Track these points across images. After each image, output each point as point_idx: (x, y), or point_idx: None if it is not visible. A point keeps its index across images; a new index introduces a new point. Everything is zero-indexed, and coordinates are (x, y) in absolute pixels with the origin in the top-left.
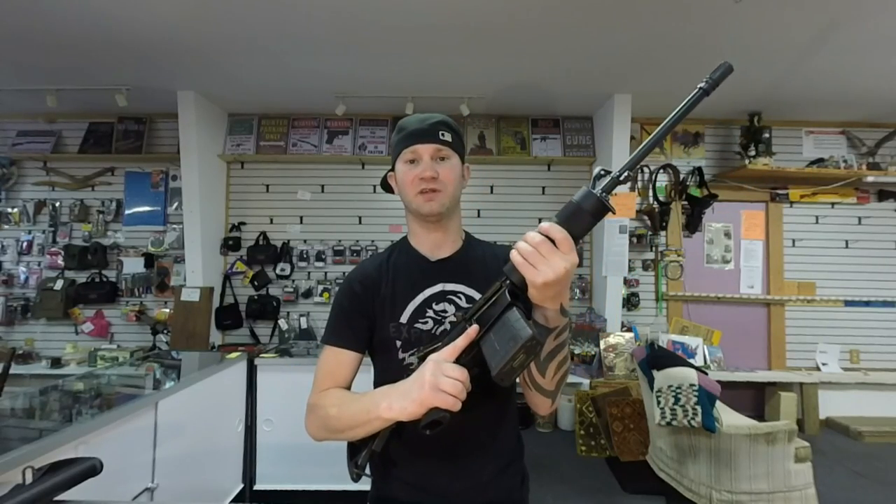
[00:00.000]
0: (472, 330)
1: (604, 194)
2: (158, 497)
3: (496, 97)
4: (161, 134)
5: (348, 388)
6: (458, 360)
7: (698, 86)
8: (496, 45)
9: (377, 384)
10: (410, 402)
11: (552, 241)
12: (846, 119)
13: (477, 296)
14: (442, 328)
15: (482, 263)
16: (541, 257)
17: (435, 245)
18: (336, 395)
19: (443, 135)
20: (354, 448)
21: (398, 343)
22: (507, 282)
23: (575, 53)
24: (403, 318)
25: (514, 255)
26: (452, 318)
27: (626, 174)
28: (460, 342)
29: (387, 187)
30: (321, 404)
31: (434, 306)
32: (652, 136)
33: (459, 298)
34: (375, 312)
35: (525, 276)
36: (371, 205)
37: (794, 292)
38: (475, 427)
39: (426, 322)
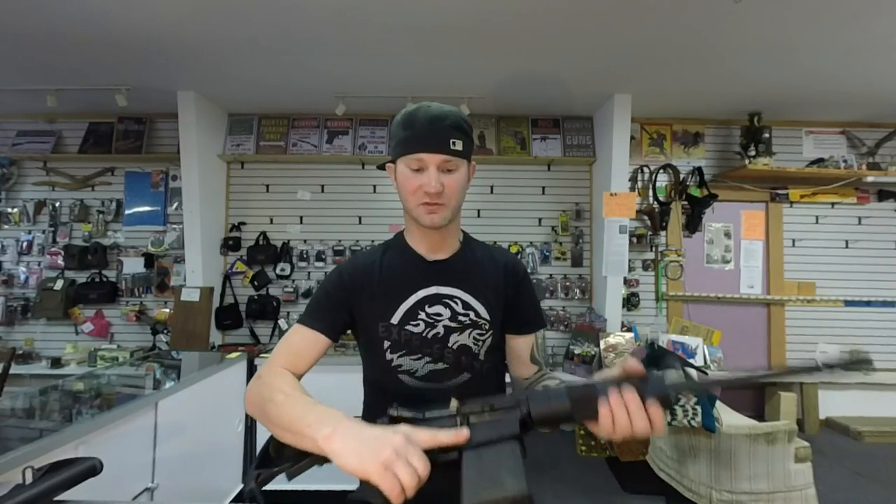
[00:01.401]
0: (462, 436)
1: (673, 393)
2: (158, 497)
3: (496, 97)
4: (161, 134)
5: (307, 370)
6: (429, 452)
7: (827, 363)
8: (496, 45)
9: (366, 380)
10: (356, 457)
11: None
12: (846, 119)
13: (472, 301)
14: (434, 331)
15: (480, 268)
16: (629, 430)
17: (431, 246)
18: (289, 383)
19: (454, 143)
20: (266, 459)
21: (386, 344)
22: (525, 409)
23: (575, 53)
24: (394, 320)
25: (604, 414)
26: (447, 322)
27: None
28: (443, 438)
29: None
30: (271, 384)
31: (427, 308)
32: (751, 375)
33: (455, 303)
34: (363, 309)
35: (601, 432)
36: (371, 205)
37: (794, 292)
38: None
39: (418, 324)
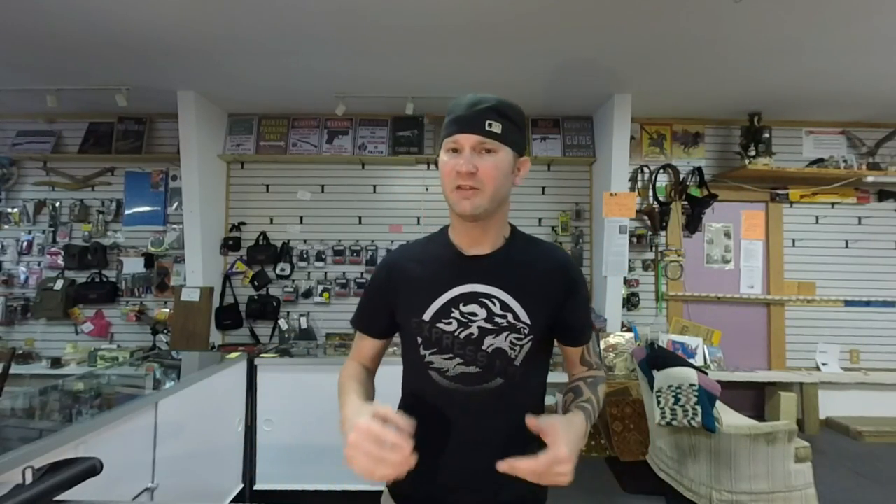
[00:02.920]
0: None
1: None
2: (158, 497)
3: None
4: (161, 134)
5: (374, 365)
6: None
7: None
8: (496, 45)
9: (405, 369)
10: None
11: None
12: (846, 119)
13: (512, 302)
14: (468, 332)
15: (526, 266)
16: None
17: (472, 241)
18: (351, 373)
19: (490, 125)
20: None
21: (419, 340)
22: None
23: (575, 53)
24: (426, 316)
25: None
26: (482, 323)
27: None
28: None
29: None
30: (342, 374)
31: (461, 307)
32: None
33: (493, 303)
34: (401, 303)
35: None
36: (371, 205)
37: (794, 292)
38: (496, 435)
39: (450, 323)
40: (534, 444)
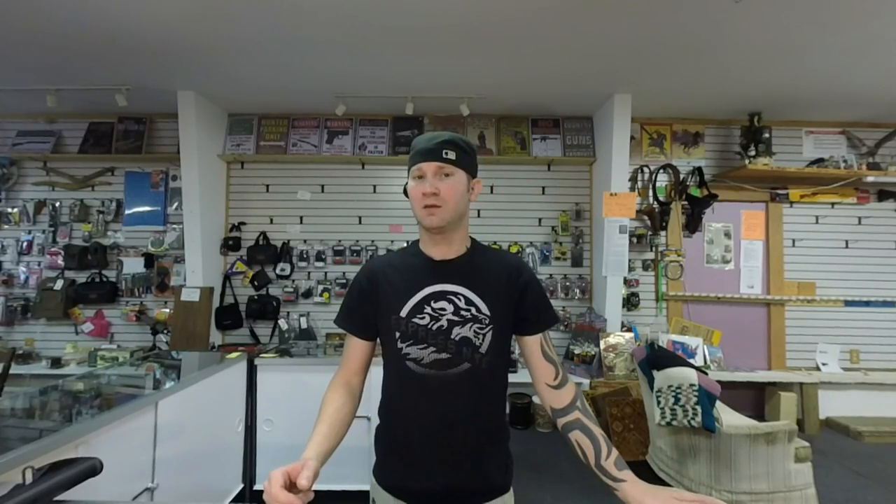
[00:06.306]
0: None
1: None
2: (158, 497)
3: (496, 97)
4: (161, 134)
5: (360, 371)
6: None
7: None
8: (496, 45)
9: (385, 366)
10: None
11: None
12: (846, 119)
13: (474, 297)
14: (438, 324)
15: (484, 268)
16: None
17: (440, 251)
18: (326, 402)
19: (446, 153)
20: None
21: (397, 334)
22: None
23: (575, 53)
24: (403, 313)
25: None
26: (450, 316)
27: None
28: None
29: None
30: (328, 390)
31: (432, 304)
32: None
33: (458, 299)
34: (380, 303)
35: None
36: (371, 205)
37: (794, 292)
38: (463, 414)
39: (423, 318)
40: (502, 429)
